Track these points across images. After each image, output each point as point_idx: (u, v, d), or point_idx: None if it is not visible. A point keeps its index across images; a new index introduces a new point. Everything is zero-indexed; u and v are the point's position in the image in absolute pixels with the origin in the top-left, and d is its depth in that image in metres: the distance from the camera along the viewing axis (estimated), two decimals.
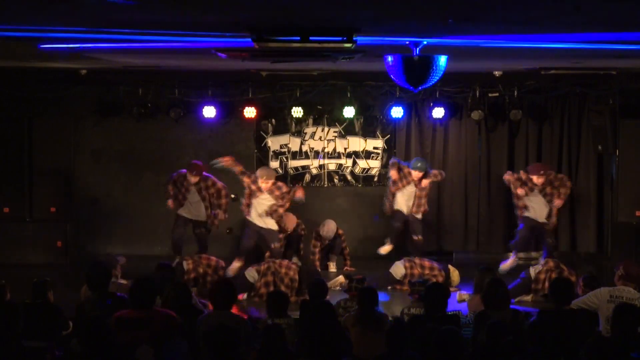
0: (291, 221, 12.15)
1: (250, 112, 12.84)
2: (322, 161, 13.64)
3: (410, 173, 12.10)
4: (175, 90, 12.93)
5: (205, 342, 5.91)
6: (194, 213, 12.07)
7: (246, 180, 11.51)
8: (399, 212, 12.19)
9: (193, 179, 11.94)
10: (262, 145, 13.76)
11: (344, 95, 13.10)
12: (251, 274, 10.45)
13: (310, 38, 6.11)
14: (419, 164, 12.14)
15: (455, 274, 11.16)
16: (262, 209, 11.48)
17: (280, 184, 11.73)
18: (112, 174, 13.66)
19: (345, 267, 12.24)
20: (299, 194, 11.63)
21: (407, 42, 6.69)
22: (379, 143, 13.81)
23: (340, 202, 13.77)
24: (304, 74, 12.10)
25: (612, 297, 7.14)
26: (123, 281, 9.27)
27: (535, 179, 11.87)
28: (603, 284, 8.07)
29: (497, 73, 11.88)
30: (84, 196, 13.53)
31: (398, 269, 11.09)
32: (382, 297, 8.60)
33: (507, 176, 12.17)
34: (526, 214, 11.96)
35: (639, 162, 12.56)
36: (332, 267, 12.47)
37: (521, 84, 12.87)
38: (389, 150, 13.80)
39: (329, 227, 12.30)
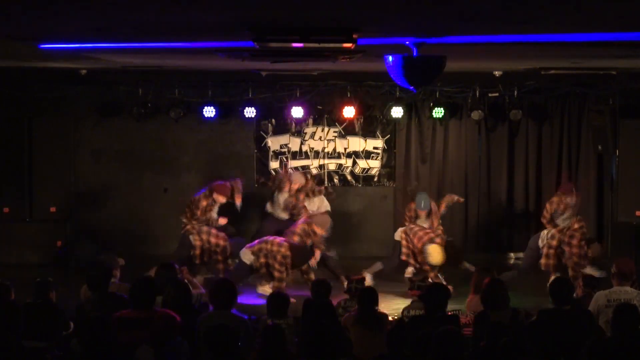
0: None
1: (250, 112, 12.84)
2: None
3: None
4: (175, 90, 12.94)
5: (205, 342, 5.91)
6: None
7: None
8: None
9: (222, 199, 11.38)
10: (262, 145, 13.77)
11: (344, 95, 13.11)
12: (247, 256, 10.48)
13: (310, 38, 6.10)
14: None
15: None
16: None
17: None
18: (112, 174, 13.66)
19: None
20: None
21: (407, 42, 6.69)
22: (379, 143, 13.82)
23: (340, 202, 13.76)
24: (304, 74, 12.10)
25: (609, 301, 7.13)
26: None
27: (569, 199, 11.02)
28: (603, 284, 8.08)
29: (497, 73, 11.89)
30: (84, 196, 13.53)
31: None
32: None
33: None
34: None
35: (639, 162, 12.58)
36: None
37: (521, 84, 12.89)
38: (389, 150, 13.81)
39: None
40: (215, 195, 11.30)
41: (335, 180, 13.85)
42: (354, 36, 6.08)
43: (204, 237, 11.05)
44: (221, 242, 11.06)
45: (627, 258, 7.96)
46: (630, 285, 7.37)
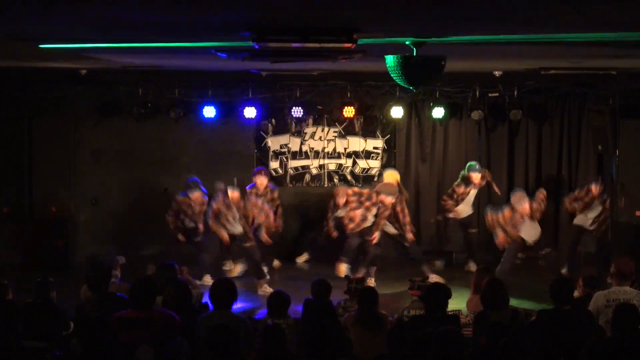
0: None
1: (250, 112, 12.84)
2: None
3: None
4: (175, 90, 12.94)
5: (205, 342, 5.91)
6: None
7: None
8: None
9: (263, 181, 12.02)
10: (262, 145, 13.77)
11: (344, 95, 13.11)
12: None
13: (310, 38, 6.10)
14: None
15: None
16: None
17: None
18: (112, 174, 13.66)
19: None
20: None
21: (407, 42, 6.69)
22: (379, 143, 13.82)
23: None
24: (304, 74, 12.10)
25: (609, 302, 7.11)
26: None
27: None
28: (603, 284, 8.07)
29: (497, 73, 11.89)
30: (84, 196, 13.53)
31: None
32: None
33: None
34: None
35: (639, 162, 12.57)
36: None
37: (521, 84, 12.88)
38: (389, 150, 13.81)
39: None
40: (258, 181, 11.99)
41: (335, 180, 13.85)
42: (354, 36, 6.08)
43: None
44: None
45: (627, 258, 7.94)
46: (630, 285, 7.36)
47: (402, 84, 6.76)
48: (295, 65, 9.93)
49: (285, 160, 13.79)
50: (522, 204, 11.06)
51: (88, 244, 13.37)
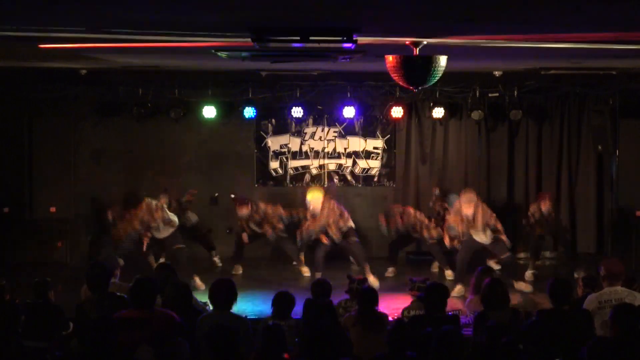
0: None
1: (250, 112, 12.84)
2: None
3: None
4: (175, 90, 12.94)
5: (205, 342, 5.91)
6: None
7: None
8: None
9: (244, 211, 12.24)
10: (262, 145, 13.77)
11: (344, 95, 13.11)
12: None
13: (310, 38, 6.10)
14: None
15: None
16: None
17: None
18: (112, 174, 13.65)
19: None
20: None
21: (407, 42, 6.69)
22: (379, 143, 13.82)
23: (340, 202, 13.74)
24: (304, 74, 12.11)
25: (601, 303, 7.10)
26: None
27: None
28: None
29: (497, 73, 11.89)
30: (84, 196, 13.52)
31: None
32: None
33: None
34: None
35: (639, 162, 12.58)
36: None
37: (521, 84, 12.88)
38: (389, 150, 13.81)
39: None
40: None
41: (335, 180, 13.85)
42: (354, 36, 6.08)
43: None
44: None
45: (616, 259, 7.94)
46: (622, 285, 7.33)
47: (402, 84, 6.76)
48: (295, 65, 9.94)
49: (285, 160, 13.79)
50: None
51: (88, 244, 13.35)
